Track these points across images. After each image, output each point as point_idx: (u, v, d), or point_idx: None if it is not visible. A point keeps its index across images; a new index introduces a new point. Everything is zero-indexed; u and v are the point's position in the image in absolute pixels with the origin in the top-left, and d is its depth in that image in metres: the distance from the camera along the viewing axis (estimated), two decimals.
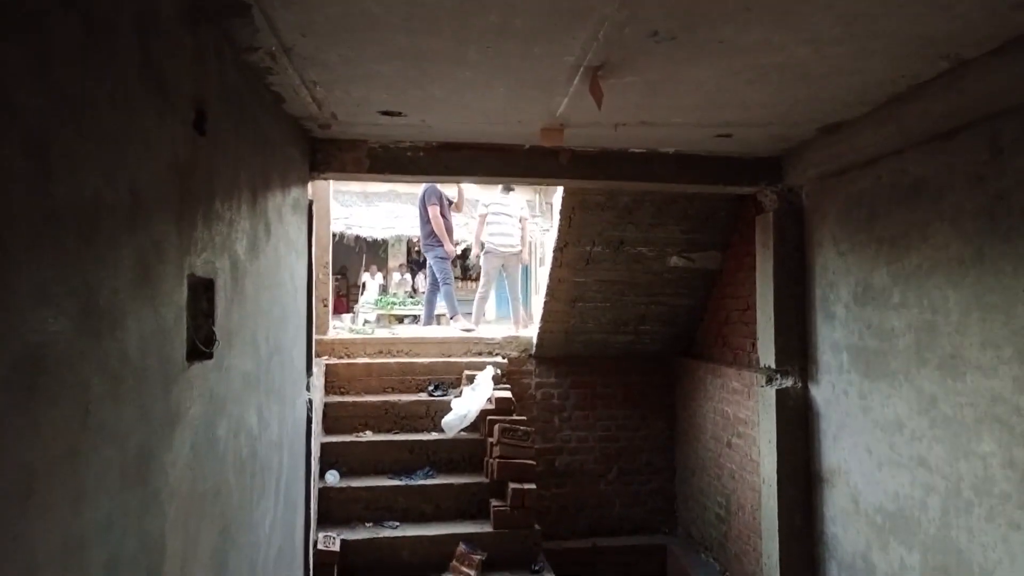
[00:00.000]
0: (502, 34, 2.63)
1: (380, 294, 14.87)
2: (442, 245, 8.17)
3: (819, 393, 4.38)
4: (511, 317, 9.07)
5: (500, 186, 8.24)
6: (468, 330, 7.53)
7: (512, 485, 5.05)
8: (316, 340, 6.22)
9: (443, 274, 8.28)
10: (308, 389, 4.19)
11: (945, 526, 3.24)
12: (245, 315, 2.79)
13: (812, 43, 2.71)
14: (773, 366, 4.60)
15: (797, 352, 4.55)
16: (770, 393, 4.59)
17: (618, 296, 6.25)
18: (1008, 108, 2.87)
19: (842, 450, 4.12)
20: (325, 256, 6.53)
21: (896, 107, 3.38)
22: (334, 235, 14.14)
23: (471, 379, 5.96)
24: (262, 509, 3.07)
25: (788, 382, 4.54)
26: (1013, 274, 2.87)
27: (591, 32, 2.60)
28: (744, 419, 5.25)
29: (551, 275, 6.03)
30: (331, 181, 6.58)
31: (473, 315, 8.34)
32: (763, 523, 4.68)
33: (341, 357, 6.40)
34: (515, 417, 5.57)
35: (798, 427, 4.49)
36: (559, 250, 5.81)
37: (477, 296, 8.63)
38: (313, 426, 4.47)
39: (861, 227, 3.95)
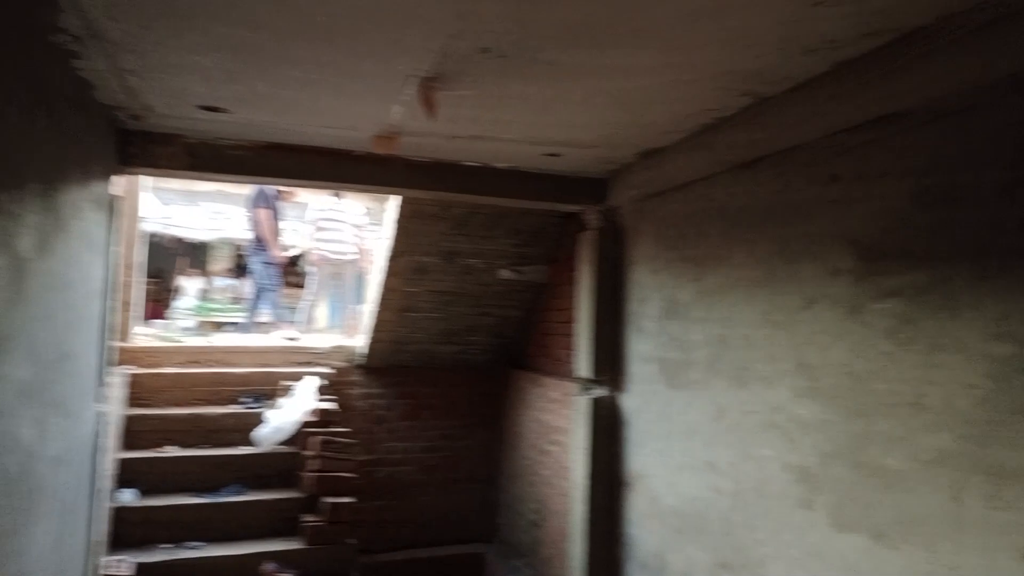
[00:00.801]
0: (330, 35, 2.57)
1: (200, 299, 13.95)
2: (268, 250, 7.83)
3: (629, 402, 4.63)
4: (340, 326, 8.86)
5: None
6: (292, 339, 7.26)
7: (328, 499, 4.90)
8: (118, 348, 5.74)
9: (268, 280, 7.93)
10: (101, 400, 3.82)
11: (730, 525, 3.53)
12: (27, 318, 2.50)
13: (634, 72, 2.88)
14: (589, 376, 4.82)
15: (611, 363, 4.79)
16: (584, 402, 4.80)
17: (448, 307, 6.28)
18: (798, 144, 3.20)
19: (646, 456, 4.38)
20: (133, 256, 6.03)
21: (707, 136, 3.67)
22: (152, 235, 13.14)
23: (289, 390, 5.73)
24: (32, 534, 2.75)
25: (602, 391, 4.77)
26: (793, 293, 3.20)
27: (422, 42, 2.61)
28: (560, 427, 5.45)
29: (383, 284, 5.96)
30: (146, 177, 6.10)
31: (300, 324, 8.05)
32: (571, 528, 4.86)
33: (147, 367, 5.92)
34: (337, 429, 5.41)
35: (608, 434, 4.72)
36: (392, 259, 5.75)
37: (305, 304, 8.34)
38: (107, 440, 4.09)
39: (671, 247, 4.24)
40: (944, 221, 2.46)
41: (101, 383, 3.85)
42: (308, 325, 8.33)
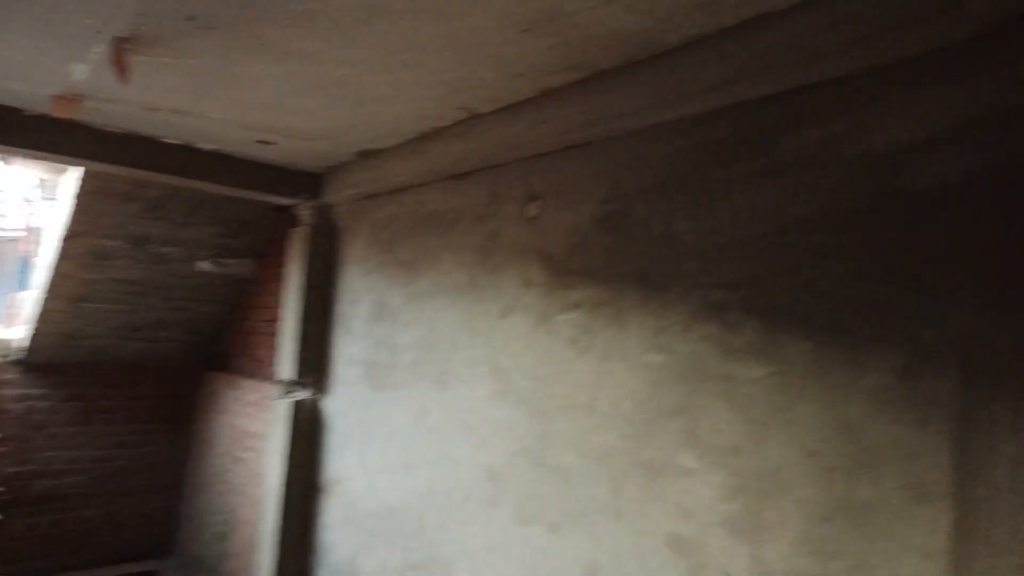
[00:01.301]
0: None
1: None
2: None
3: (332, 405, 4.55)
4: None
5: None
6: None
7: None
8: None
9: None
10: None
11: (422, 524, 3.62)
12: None
13: (361, 67, 2.84)
14: (292, 378, 4.64)
15: (316, 365, 4.67)
16: (285, 405, 4.61)
17: (135, 299, 5.64)
18: (504, 162, 3.40)
19: (347, 460, 4.33)
20: None
21: (423, 144, 3.74)
22: None
23: None
24: None
25: (303, 394, 4.62)
26: (493, 301, 3.38)
27: None
28: (256, 433, 5.18)
29: (53, 268, 5.16)
30: None
31: None
32: (262, 536, 4.64)
33: None
34: None
35: (308, 439, 4.59)
36: (66, 240, 5.01)
37: None
38: None
39: (384, 249, 4.26)
40: (619, 244, 2.77)
41: None
42: None
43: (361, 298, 4.44)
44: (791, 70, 2.13)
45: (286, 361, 4.72)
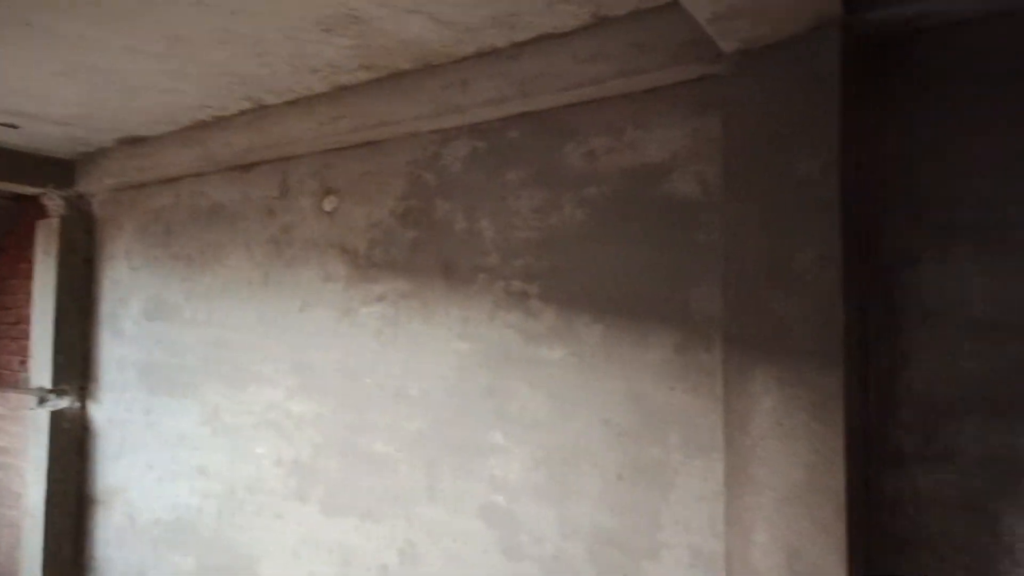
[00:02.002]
0: None
1: None
2: None
3: (101, 412, 4.19)
4: None
5: None
6: None
7: None
8: None
9: None
10: None
11: (220, 527, 3.52)
12: None
13: (133, 53, 2.66)
14: (48, 386, 4.19)
15: (79, 370, 4.26)
16: (43, 416, 4.16)
17: None
18: (295, 155, 3.37)
19: (124, 469, 4.03)
20: None
21: (202, 132, 3.57)
22: None
23: None
24: None
25: (65, 402, 4.20)
26: (291, 297, 3.36)
27: None
28: (7, 448, 4.60)
29: None
30: None
31: None
32: (25, 560, 4.17)
33: None
34: None
35: (74, 450, 4.20)
36: None
37: None
38: None
39: (158, 243, 3.99)
40: (422, 240, 2.91)
41: None
42: None
43: (131, 296, 4.12)
44: (569, 88, 2.41)
45: (41, 367, 4.25)
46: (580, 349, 2.44)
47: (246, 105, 3.31)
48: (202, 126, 3.58)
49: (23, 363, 4.62)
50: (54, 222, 4.30)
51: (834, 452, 1.68)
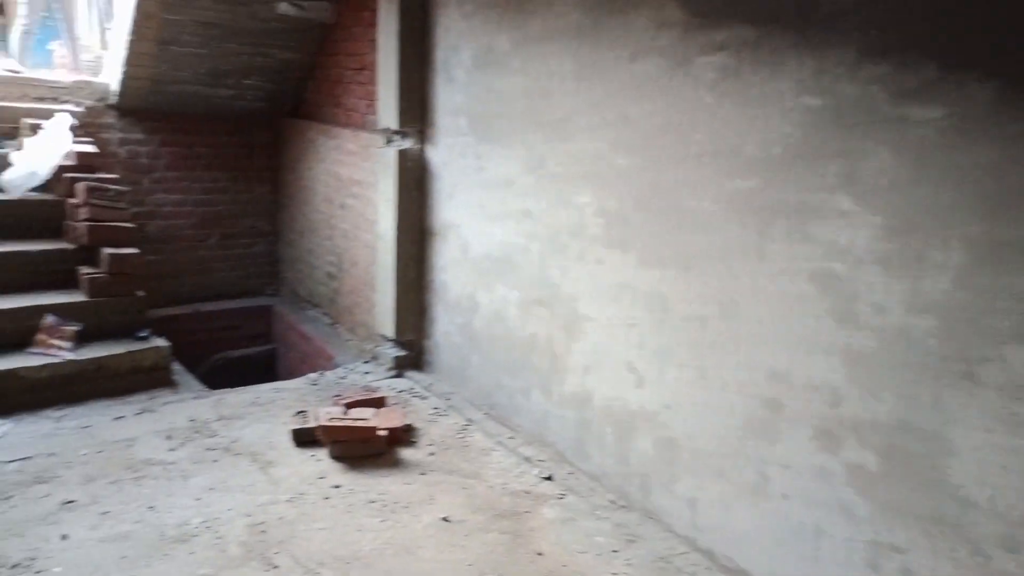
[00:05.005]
0: None
1: None
2: None
3: (437, 154, 4.62)
4: (63, 59, 7.46)
5: None
6: (14, 71, 6.01)
7: (108, 251, 4.44)
8: None
9: None
10: None
11: (543, 266, 3.84)
12: None
13: None
14: (394, 128, 4.68)
15: (418, 114, 4.67)
16: (390, 154, 4.69)
17: (218, 43, 5.53)
18: None
19: (456, 207, 4.49)
20: None
21: None
22: None
23: (35, 129, 4.86)
24: None
25: (408, 143, 4.68)
26: (621, 45, 3.27)
27: None
28: (359, 180, 5.33)
29: (137, 8, 5.03)
30: None
31: (15, 52, 6.65)
32: (378, 276, 4.97)
33: None
34: (104, 175, 4.77)
35: (415, 186, 4.73)
36: None
37: (19, 30, 6.84)
38: None
39: None
40: None
41: None
42: (25, 55, 6.91)
43: (462, 44, 4.31)
44: None
45: (386, 110, 4.72)
46: (964, 110, 2.11)
47: None
48: None
49: (369, 106, 5.17)
50: None
51: None
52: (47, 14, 7.50)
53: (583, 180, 3.53)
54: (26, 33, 6.84)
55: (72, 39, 7.34)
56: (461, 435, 4.02)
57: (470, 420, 4.20)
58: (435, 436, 3.99)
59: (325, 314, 6.01)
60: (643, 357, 3.29)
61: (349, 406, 3.99)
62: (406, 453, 3.76)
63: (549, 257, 3.79)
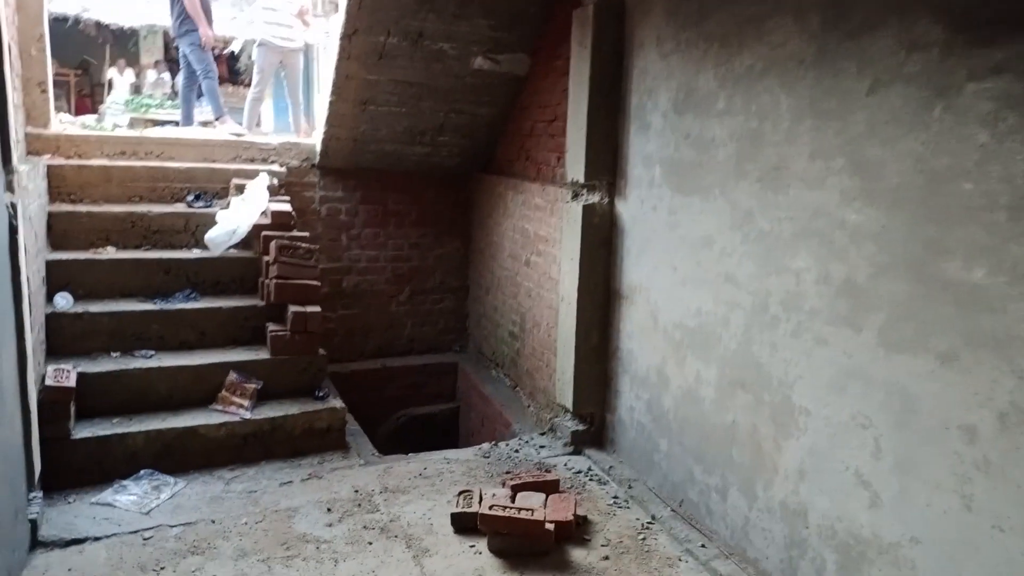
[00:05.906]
0: None
1: (132, 94, 12.65)
2: (197, 29, 6.81)
3: (626, 209, 4.16)
4: (291, 126, 8.04)
5: None
6: (238, 134, 6.47)
7: (292, 308, 4.45)
8: (33, 135, 4.94)
9: (202, 64, 6.98)
10: (10, 190, 3.16)
11: (747, 341, 3.20)
12: None
13: None
14: (581, 180, 4.29)
15: (607, 166, 4.26)
16: (576, 209, 4.31)
17: (415, 101, 5.53)
18: None
19: (645, 267, 3.98)
20: (37, 29, 5.03)
21: None
22: (68, 20, 11.66)
23: (241, 189, 5.08)
24: None
25: (595, 197, 4.27)
26: (854, 75, 2.63)
27: None
28: (545, 237, 5.00)
29: (337, 69, 5.15)
30: None
31: (245, 119, 7.22)
32: (559, 340, 4.56)
33: (70, 157, 5.15)
34: (296, 233, 4.85)
35: (602, 244, 4.29)
36: (347, 38, 4.91)
37: (250, 98, 7.45)
38: (29, 239, 3.50)
39: (689, 24, 3.57)
40: None
41: (7, 169, 3.18)
42: (254, 121, 7.49)
43: (659, 87, 3.84)
44: None
45: (574, 162, 4.36)
46: None
47: None
48: None
49: (559, 159, 4.84)
50: (588, 10, 4.19)
51: None
52: (275, 82, 8.18)
53: (800, 240, 2.88)
54: (255, 100, 7.42)
55: (296, 104, 7.91)
56: (643, 536, 3.43)
57: (654, 517, 3.60)
58: (612, 534, 3.43)
59: (506, 375, 5.70)
60: (879, 469, 2.54)
61: (517, 488, 3.56)
62: (576, 554, 3.24)
63: (755, 331, 3.15)
